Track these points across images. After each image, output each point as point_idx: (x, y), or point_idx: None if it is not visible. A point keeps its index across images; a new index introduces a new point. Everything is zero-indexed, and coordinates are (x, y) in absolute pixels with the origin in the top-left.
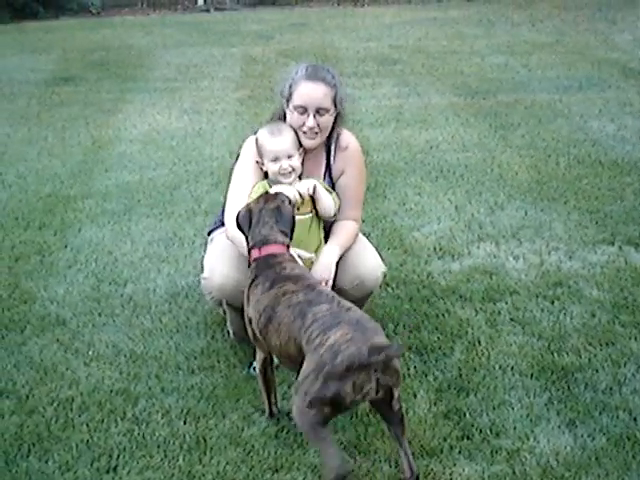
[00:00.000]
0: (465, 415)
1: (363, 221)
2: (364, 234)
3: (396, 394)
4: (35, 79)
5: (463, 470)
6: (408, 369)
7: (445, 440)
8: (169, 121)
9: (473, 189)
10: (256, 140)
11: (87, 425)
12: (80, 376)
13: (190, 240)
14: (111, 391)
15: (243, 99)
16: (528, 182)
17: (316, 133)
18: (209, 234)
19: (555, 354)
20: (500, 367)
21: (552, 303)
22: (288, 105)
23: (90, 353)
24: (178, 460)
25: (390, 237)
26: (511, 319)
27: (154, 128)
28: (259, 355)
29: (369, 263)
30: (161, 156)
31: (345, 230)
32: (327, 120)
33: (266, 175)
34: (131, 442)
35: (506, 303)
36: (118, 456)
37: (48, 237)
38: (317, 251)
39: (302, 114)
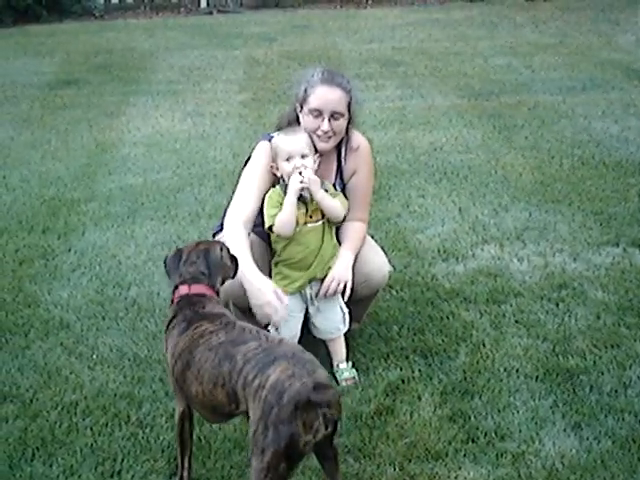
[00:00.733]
0: (470, 418)
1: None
2: (369, 236)
3: (337, 429)
4: (38, 82)
5: (468, 473)
6: (412, 372)
7: (450, 443)
8: (172, 124)
9: (477, 191)
10: (271, 144)
11: (91, 429)
12: (84, 380)
13: None
14: (115, 395)
15: (246, 101)
16: (532, 184)
17: (329, 137)
18: (213, 236)
19: (560, 356)
20: (505, 370)
21: (557, 305)
22: (302, 108)
23: (94, 357)
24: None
25: (394, 239)
26: (516, 321)
27: (157, 131)
28: (177, 408)
29: (376, 262)
30: (164, 159)
31: (355, 233)
32: (341, 124)
33: (279, 181)
34: (135, 446)
35: (511, 305)
36: (122, 460)
37: (52, 240)
38: (332, 256)
39: (317, 117)
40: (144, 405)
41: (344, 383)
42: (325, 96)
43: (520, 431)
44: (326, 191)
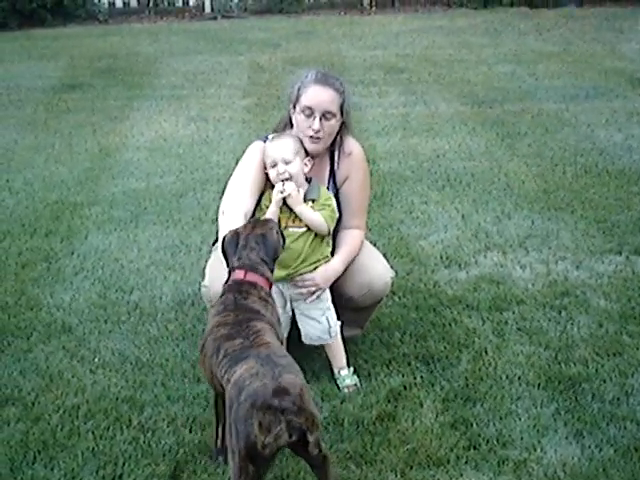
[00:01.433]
0: (472, 425)
1: (370, 229)
2: (370, 242)
3: (311, 439)
4: (42, 86)
5: None
6: (415, 378)
7: (452, 450)
8: (176, 128)
9: (480, 198)
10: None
11: (93, 433)
12: (86, 383)
13: (197, 248)
14: (117, 399)
15: (250, 107)
16: (535, 191)
17: (319, 138)
18: (214, 243)
19: (562, 364)
20: (507, 377)
21: (559, 313)
22: (295, 108)
23: (96, 360)
24: (184, 468)
25: (397, 246)
26: (518, 329)
27: (161, 135)
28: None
29: (377, 270)
30: (168, 163)
31: (350, 241)
32: (332, 126)
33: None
34: (137, 450)
35: (513, 313)
36: (124, 464)
37: (55, 244)
38: (321, 260)
39: (308, 116)
40: (146, 409)
41: (345, 390)
42: (317, 95)
43: (522, 438)
44: (313, 201)
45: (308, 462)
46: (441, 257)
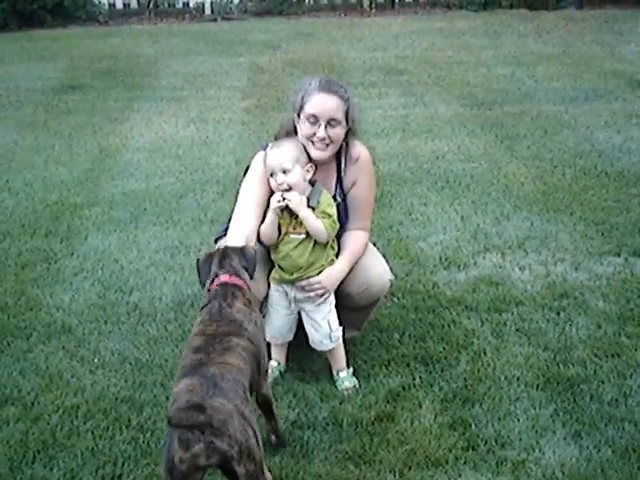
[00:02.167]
0: (470, 426)
1: (370, 231)
2: (371, 244)
3: (240, 470)
4: (43, 87)
5: None
6: (413, 379)
7: (450, 451)
8: (176, 130)
9: (479, 199)
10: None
11: (92, 433)
12: (85, 384)
13: (196, 249)
14: (116, 399)
15: (250, 108)
16: (534, 193)
17: (327, 145)
18: (216, 242)
19: (561, 365)
20: (506, 378)
21: (558, 314)
22: (299, 116)
23: (95, 361)
24: None
25: (396, 247)
26: (517, 330)
27: (161, 137)
28: None
29: (377, 270)
30: (167, 165)
31: (355, 242)
32: (338, 133)
33: None
34: (136, 450)
35: (512, 314)
36: (123, 464)
37: (54, 245)
38: (326, 263)
39: (313, 124)
40: (145, 409)
41: (344, 392)
42: (322, 103)
43: (520, 439)
44: (313, 209)
45: None
46: (440, 258)
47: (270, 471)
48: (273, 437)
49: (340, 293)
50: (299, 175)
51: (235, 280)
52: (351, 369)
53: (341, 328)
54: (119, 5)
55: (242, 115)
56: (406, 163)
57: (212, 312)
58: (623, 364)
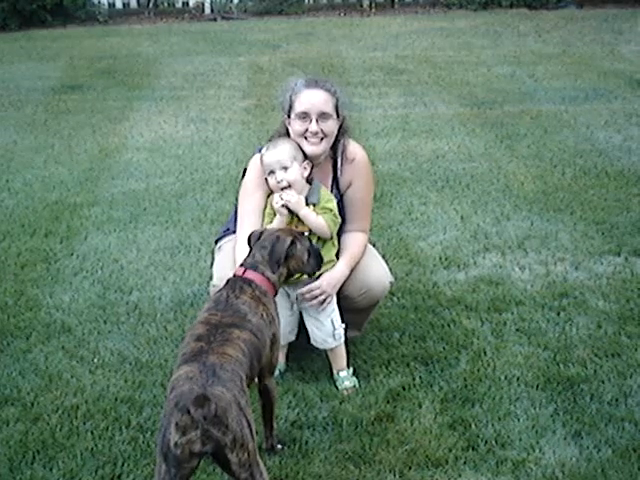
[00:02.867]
0: (470, 426)
1: (369, 230)
2: (370, 243)
3: (233, 458)
4: (42, 87)
5: None
6: (413, 379)
7: (450, 451)
8: (176, 129)
9: (479, 199)
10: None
11: (92, 433)
12: (85, 384)
13: (196, 248)
14: (116, 399)
15: (250, 108)
16: (534, 192)
17: (321, 139)
18: (216, 242)
19: (561, 365)
20: (506, 378)
21: (558, 314)
22: (290, 116)
23: (95, 361)
24: None
25: (396, 247)
26: (517, 330)
27: (161, 136)
28: None
29: (377, 272)
30: (167, 164)
31: (355, 244)
32: (330, 126)
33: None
34: (135, 450)
35: (512, 313)
36: (122, 464)
37: (54, 244)
38: (329, 264)
39: (305, 120)
40: (145, 409)
41: (344, 392)
42: (310, 99)
43: (520, 439)
44: (314, 205)
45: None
46: (440, 258)
47: (270, 471)
48: (269, 443)
49: (340, 295)
50: (297, 172)
51: (249, 274)
52: (351, 369)
53: (344, 325)
54: (119, 5)
55: (242, 115)
56: (406, 163)
57: (219, 301)
58: (623, 364)
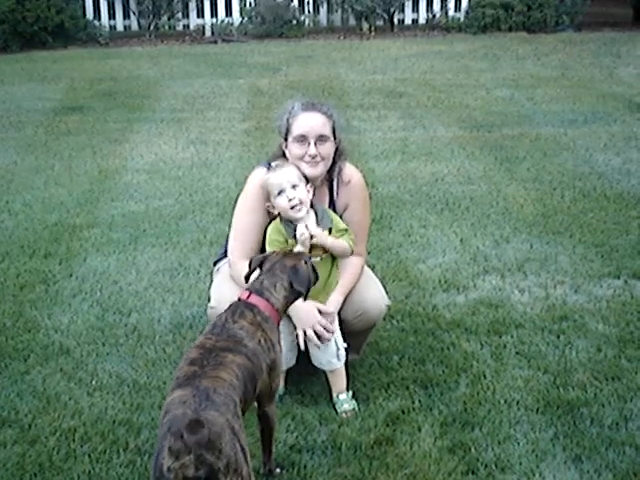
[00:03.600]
0: (470, 449)
1: (368, 253)
2: (369, 266)
3: (219, 476)
4: (43, 108)
5: None
6: (413, 402)
7: (450, 475)
8: (175, 151)
9: (478, 222)
10: (261, 184)
11: (89, 456)
12: (83, 406)
13: (195, 270)
14: (114, 421)
15: (250, 130)
16: (533, 215)
17: (317, 162)
18: (215, 264)
19: (561, 389)
20: (505, 401)
21: (558, 337)
22: (287, 139)
23: (93, 383)
24: None
25: (395, 269)
26: (516, 353)
27: (160, 158)
28: None
29: (373, 295)
30: (167, 186)
31: (350, 270)
32: (328, 148)
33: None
34: (133, 473)
35: (511, 337)
36: None
37: (53, 266)
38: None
39: (303, 144)
40: (143, 432)
41: (343, 415)
42: (307, 122)
43: (520, 463)
44: (330, 230)
45: None
46: (439, 281)
47: None
48: (266, 468)
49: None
50: (306, 191)
51: (253, 299)
52: (350, 392)
53: (345, 345)
54: (119, 27)
55: (242, 137)
56: (405, 185)
57: (216, 326)
58: (623, 387)
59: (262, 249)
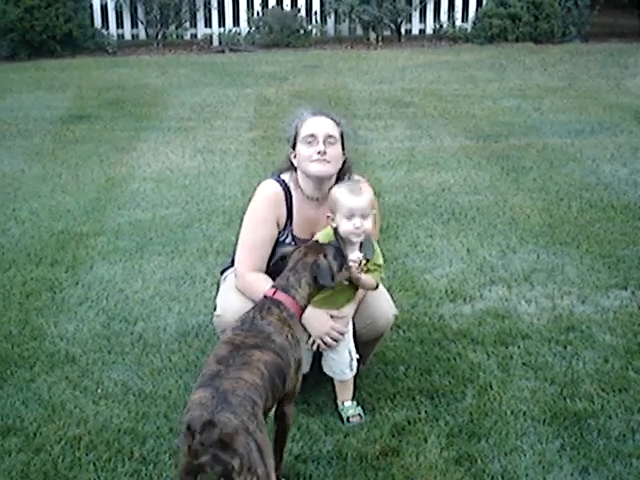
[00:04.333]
0: (477, 461)
1: None
2: None
3: (233, 476)
4: (51, 116)
5: None
6: (419, 413)
7: None
8: (182, 160)
9: (485, 232)
10: (331, 194)
11: (94, 464)
12: (88, 414)
13: (201, 279)
14: (119, 430)
15: (256, 139)
16: (540, 226)
17: (326, 160)
18: (222, 273)
19: (568, 400)
20: (512, 412)
21: (564, 348)
22: (295, 144)
23: (99, 391)
24: None
25: (402, 279)
26: (523, 364)
27: (167, 167)
28: None
29: (381, 305)
30: (174, 195)
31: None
32: (336, 150)
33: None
34: None
35: (518, 347)
36: None
37: (60, 274)
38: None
39: (311, 143)
40: (148, 441)
41: (350, 420)
42: (317, 123)
43: (527, 475)
44: (367, 261)
45: None
46: (446, 291)
47: None
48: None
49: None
50: (372, 224)
51: (279, 295)
52: (355, 402)
53: (357, 356)
54: (127, 36)
55: (249, 146)
56: (412, 195)
57: (245, 321)
58: (631, 399)
59: (270, 261)
